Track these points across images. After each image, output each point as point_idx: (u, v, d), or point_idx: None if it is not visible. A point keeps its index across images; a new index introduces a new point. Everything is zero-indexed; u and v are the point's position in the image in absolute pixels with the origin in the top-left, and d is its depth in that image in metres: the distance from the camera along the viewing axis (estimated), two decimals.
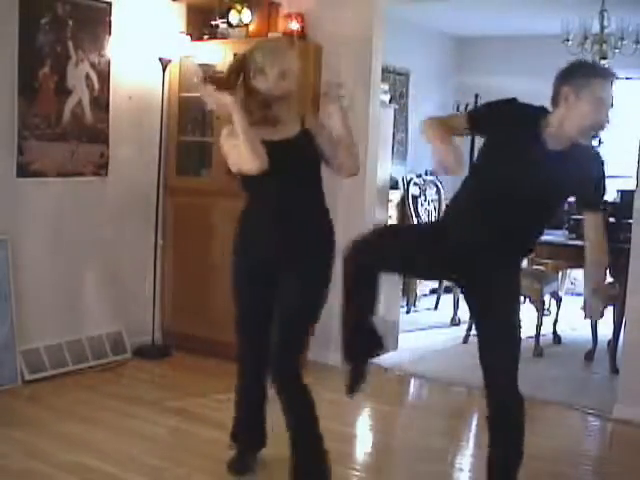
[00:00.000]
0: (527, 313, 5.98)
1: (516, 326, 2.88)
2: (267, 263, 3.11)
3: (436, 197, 7.22)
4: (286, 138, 3.07)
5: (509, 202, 2.71)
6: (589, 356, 5.35)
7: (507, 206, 2.71)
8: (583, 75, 2.71)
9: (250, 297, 3.21)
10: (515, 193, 2.70)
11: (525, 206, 2.72)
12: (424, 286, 7.07)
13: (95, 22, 4.69)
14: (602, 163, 2.82)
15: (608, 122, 2.72)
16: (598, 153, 2.85)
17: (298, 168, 3.05)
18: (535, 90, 8.70)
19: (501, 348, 2.84)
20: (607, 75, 2.73)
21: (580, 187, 2.78)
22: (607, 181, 2.80)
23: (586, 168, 2.76)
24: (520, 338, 2.89)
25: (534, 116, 2.80)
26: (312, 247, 3.06)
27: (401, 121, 7.71)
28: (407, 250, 2.93)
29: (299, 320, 3.07)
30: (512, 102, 2.94)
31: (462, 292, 3.13)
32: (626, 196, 5.14)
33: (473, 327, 5.75)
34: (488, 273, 2.83)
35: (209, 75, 4.66)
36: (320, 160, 3.10)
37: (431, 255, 2.89)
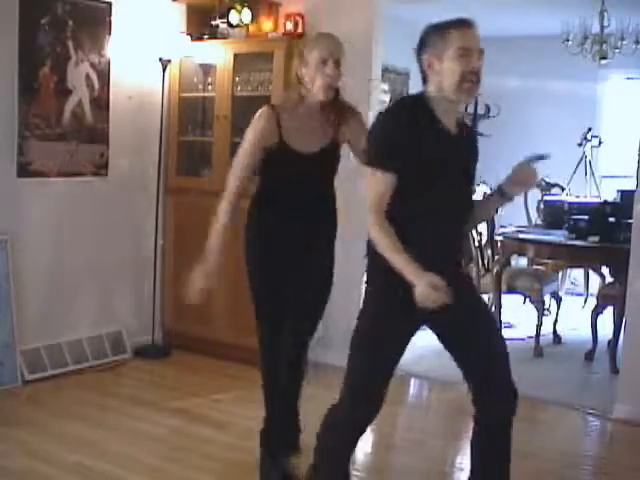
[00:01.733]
0: (527, 313, 6.02)
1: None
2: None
3: None
4: (313, 152, 3.08)
5: (454, 203, 2.57)
6: (589, 356, 5.35)
7: (453, 208, 2.56)
8: (436, 36, 2.52)
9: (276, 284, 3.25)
10: (455, 188, 2.57)
11: (462, 194, 2.64)
12: None
13: (95, 22, 4.69)
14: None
15: (479, 67, 2.49)
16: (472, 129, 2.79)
17: (315, 182, 3.12)
18: (535, 90, 8.77)
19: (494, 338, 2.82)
20: (461, 24, 2.52)
21: (476, 151, 2.74)
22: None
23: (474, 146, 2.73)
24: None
25: (420, 106, 2.54)
26: (324, 243, 3.17)
27: None
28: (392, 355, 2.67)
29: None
30: (395, 116, 2.58)
31: (434, 329, 2.76)
32: (626, 196, 5.13)
33: None
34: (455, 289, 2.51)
35: None
36: (336, 170, 3.19)
37: (405, 331, 2.67)
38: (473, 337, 2.70)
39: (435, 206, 2.51)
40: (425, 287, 2.36)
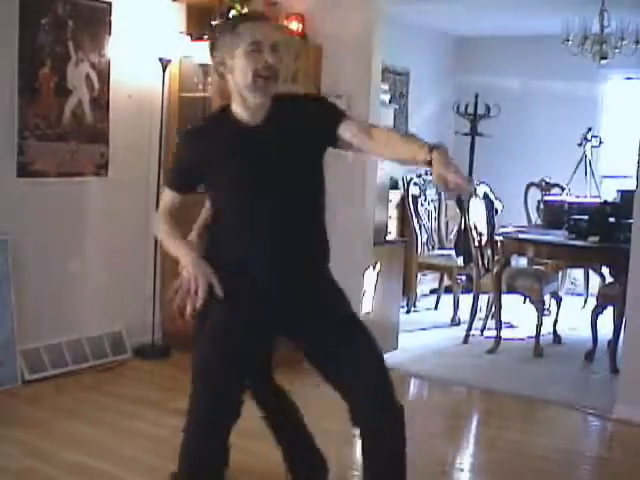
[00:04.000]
0: (527, 313, 6.02)
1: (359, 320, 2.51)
2: None
3: (436, 197, 7.22)
4: None
5: (264, 211, 2.37)
6: (589, 356, 5.35)
7: (267, 207, 2.37)
8: (226, 33, 2.39)
9: None
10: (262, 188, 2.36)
11: (283, 194, 2.37)
12: (424, 286, 7.08)
13: (95, 22, 4.68)
14: (307, 98, 2.62)
15: (275, 62, 2.33)
16: (301, 96, 2.62)
17: None
18: (535, 90, 8.76)
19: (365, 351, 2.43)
20: (250, 18, 2.46)
21: (312, 128, 2.38)
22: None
23: (301, 115, 2.42)
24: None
25: (217, 115, 2.52)
26: None
27: (401, 121, 7.71)
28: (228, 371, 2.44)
29: None
30: (188, 133, 2.71)
31: (297, 344, 2.56)
32: (626, 196, 5.13)
33: (473, 327, 5.79)
34: (307, 295, 2.44)
35: None
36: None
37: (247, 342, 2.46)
38: (330, 354, 2.43)
39: (242, 220, 2.40)
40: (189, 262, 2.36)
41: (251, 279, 2.40)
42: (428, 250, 6.86)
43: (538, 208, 6.81)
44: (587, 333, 5.42)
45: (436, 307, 6.88)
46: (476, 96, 7.40)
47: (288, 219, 2.38)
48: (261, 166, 2.36)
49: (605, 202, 5.73)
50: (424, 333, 5.91)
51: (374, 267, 5.20)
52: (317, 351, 2.47)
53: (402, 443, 2.42)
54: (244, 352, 2.46)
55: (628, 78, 7.71)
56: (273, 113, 2.40)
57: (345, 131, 2.36)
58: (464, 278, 6.52)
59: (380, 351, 2.45)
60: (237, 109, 2.41)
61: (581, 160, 7.48)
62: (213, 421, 2.45)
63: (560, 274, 6.63)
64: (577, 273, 7.29)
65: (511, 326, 6.09)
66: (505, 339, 5.61)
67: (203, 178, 2.50)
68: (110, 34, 4.77)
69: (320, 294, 2.48)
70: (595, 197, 6.80)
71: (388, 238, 6.36)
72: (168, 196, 2.60)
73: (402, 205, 6.97)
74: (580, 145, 7.46)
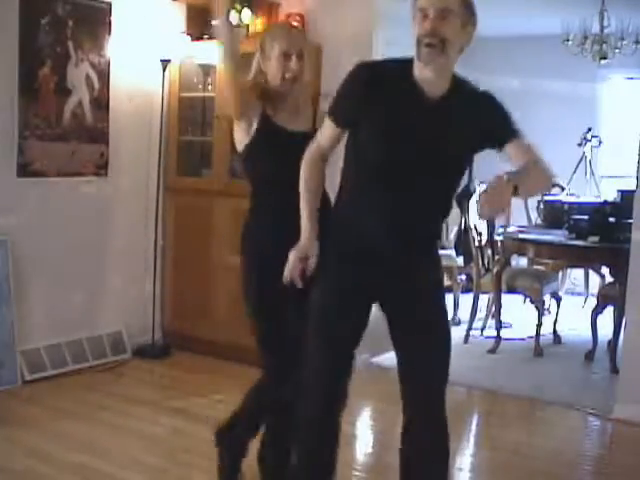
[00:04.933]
0: (527, 313, 6.02)
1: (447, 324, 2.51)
2: None
3: None
4: (302, 131, 2.88)
5: (411, 176, 2.30)
6: (589, 356, 5.35)
7: (410, 181, 2.30)
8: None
9: None
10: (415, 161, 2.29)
11: (428, 174, 2.31)
12: None
13: (95, 22, 4.69)
14: (492, 97, 2.48)
15: (436, 27, 2.25)
16: (484, 92, 2.51)
17: None
18: (535, 90, 8.77)
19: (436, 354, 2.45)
20: None
21: (484, 131, 2.38)
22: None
23: (478, 111, 2.39)
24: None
25: (399, 66, 2.40)
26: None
27: None
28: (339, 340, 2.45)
29: None
30: (364, 67, 2.43)
31: (386, 313, 2.52)
32: (626, 196, 5.13)
33: (473, 327, 5.79)
34: (412, 273, 2.41)
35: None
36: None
37: (352, 309, 2.42)
38: (415, 348, 2.46)
39: (381, 179, 2.29)
40: (294, 252, 2.36)
41: (369, 244, 2.34)
42: None
43: (538, 208, 6.81)
44: (587, 333, 5.43)
45: None
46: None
47: (426, 201, 2.34)
48: (421, 144, 2.27)
49: (605, 202, 5.73)
50: None
51: None
52: (397, 333, 2.47)
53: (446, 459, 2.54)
54: (351, 322, 2.45)
55: (628, 78, 7.72)
56: (451, 96, 2.33)
57: (511, 150, 2.42)
58: (464, 278, 6.52)
59: (447, 363, 2.47)
60: (417, 73, 2.31)
61: (581, 160, 7.48)
62: (328, 377, 2.50)
63: (560, 274, 6.62)
64: (577, 273, 7.29)
65: (511, 326, 6.09)
66: (505, 339, 5.61)
67: (358, 123, 2.32)
68: (110, 34, 4.77)
69: (425, 273, 2.45)
70: (595, 197, 6.80)
71: None
72: (327, 130, 2.40)
73: None
74: (580, 145, 7.46)
